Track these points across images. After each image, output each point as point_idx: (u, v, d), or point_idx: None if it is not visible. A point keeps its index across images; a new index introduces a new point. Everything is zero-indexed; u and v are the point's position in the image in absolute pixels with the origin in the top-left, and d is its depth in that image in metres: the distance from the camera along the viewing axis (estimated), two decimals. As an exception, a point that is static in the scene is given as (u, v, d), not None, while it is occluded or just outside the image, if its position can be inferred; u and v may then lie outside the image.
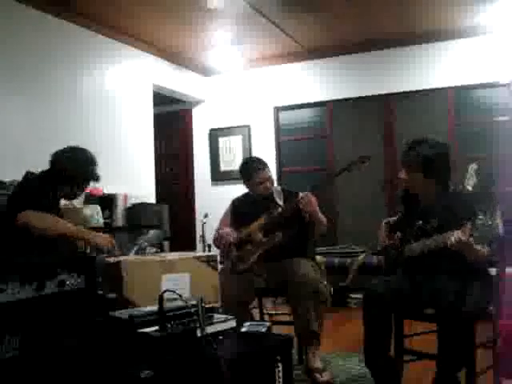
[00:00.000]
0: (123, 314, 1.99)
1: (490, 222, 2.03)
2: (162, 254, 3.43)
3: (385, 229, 2.69)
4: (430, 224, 2.38)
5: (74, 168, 2.66)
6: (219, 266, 3.12)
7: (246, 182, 3.28)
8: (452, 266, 2.38)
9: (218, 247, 3.32)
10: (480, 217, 2.06)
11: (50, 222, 2.50)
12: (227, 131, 6.24)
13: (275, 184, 3.33)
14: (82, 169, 2.68)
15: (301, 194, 3.02)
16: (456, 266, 2.38)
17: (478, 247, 2.18)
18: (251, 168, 3.25)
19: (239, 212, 3.33)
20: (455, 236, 2.14)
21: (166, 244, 4.92)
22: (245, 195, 3.44)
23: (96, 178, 2.78)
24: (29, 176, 2.67)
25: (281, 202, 3.18)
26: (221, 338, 1.98)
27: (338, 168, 3.09)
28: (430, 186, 2.48)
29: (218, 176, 6.29)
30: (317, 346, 2.95)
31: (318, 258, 3.29)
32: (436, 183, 2.48)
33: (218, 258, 3.02)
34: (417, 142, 2.50)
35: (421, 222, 2.44)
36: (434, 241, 2.32)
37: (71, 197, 2.79)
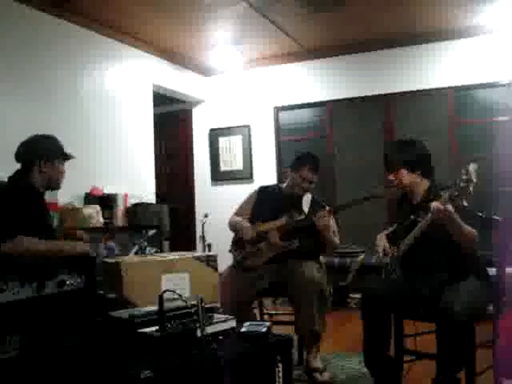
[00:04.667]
0: (123, 313, 1.99)
1: (464, 177, 2.14)
2: (162, 254, 3.43)
3: (385, 241, 2.68)
4: (421, 217, 2.39)
5: (31, 146, 2.60)
6: (221, 265, 3.11)
7: (293, 170, 3.19)
8: (450, 266, 2.39)
9: (232, 231, 3.28)
10: (456, 181, 2.17)
11: (30, 249, 2.34)
12: (227, 131, 6.23)
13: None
14: (37, 144, 2.61)
15: (319, 213, 2.98)
16: (454, 266, 2.38)
17: (465, 225, 2.26)
18: (306, 162, 3.16)
19: (262, 202, 3.27)
20: (433, 205, 2.22)
21: (166, 244, 4.92)
22: (274, 187, 3.41)
23: (58, 149, 2.65)
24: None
25: (306, 209, 3.15)
26: (221, 338, 1.98)
27: (363, 195, 3.09)
28: (417, 179, 2.52)
29: (218, 176, 6.29)
30: (318, 346, 2.96)
31: (321, 258, 3.28)
32: (423, 177, 2.51)
33: (219, 258, 3.00)
34: (392, 143, 2.63)
35: (413, 216, 2.46)
36: (419, 226, 2.37)
37: (50, 183, 2.63)
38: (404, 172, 2.51)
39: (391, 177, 2.55)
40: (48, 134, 2.72)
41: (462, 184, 2.15)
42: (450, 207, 2.19)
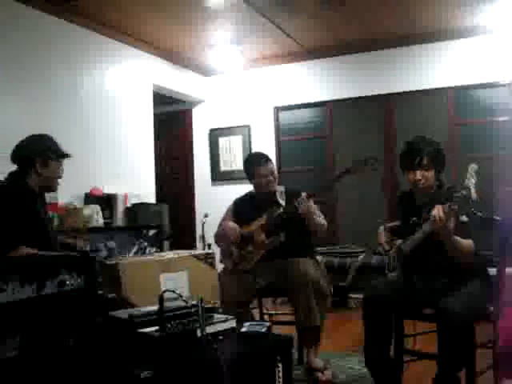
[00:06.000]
0: (123, 313, 1.99)
1: (464, 193, 2.14)
2: (160, 254, 3.43)
3: (384, 234, 2.69)
4: (423, 219, 2.39)
5: (25, 147, 2.58)
6: (220, 265, 3.12)
7: (250, 178, 3.25)
8: (451, 266, 2.39)
9: (219, 245, 3.31)
10: (456, 194, 2.17)
11: None
12: (227, 131, 6.23)
13: (277, 185, 3.28)
14: (32, 144, 2.59)
15: (298, 199, 2.97)
16: (455, 268, 2.38)
17: (462, 240, 2.27)
18: (254, 162, 3.23)
19: (241, 211, 3.31)
20: (435, 212, 2.21)
21: (166, 244, 4.92)
22: (247, 195, 3.43)
23: (55, 149, 2.62)
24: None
25: (283, 202, 3.16)
26: (221, 338, 1.98)
27: (339, 171, 3.08)
28: (434, 182, 2.51)
29: (218, 176, 6.29)
30: (317, 344, 2.96)
31: (318, 258, 3.28)
32: (436, 177, 2.51)
33: (218, 257, 3.01)
34: (422, 139, 2.51)
35: (415, 218, 2.45)
36: (422, 231, 2.36)
37: (48, 184, 2.61)
38: (432, 173, 2.46)
39: (419, 175, 2.44)
40: (44, 133, 2.69)
41: (460, 201, 2.14)
42: (451, 224, 2.19)
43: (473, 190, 2.14)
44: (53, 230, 2.74)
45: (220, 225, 3.35)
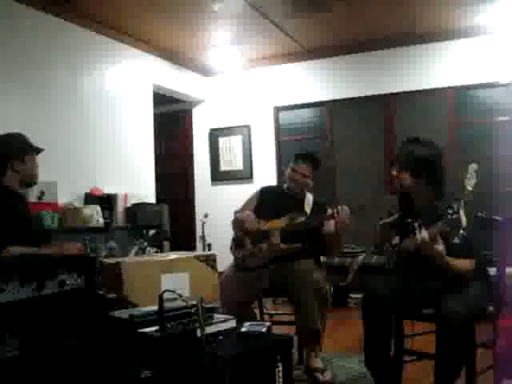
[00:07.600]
0: (123, 313, 1.99)
1: (454, 217, 2.12)
2: (162, 254, 3.43)
3: (381, 229, 2.68)
4: (418, 226, 2.37)
5: None
6: (220, 264, 3.09)
7: (291, 167, 3.20)
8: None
9: (234, 231, 3.23)
10: (449, 213, 2.15)
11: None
12: (227, 131, 6.24)
13: (309, 192, 3.26)
14: (5, 144, 2.57)
15: (325, 226, 2.97)
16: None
17: (456, 261, 2.25)
18: (299, 156, 3.20)
19: (264, 202, 3.25)
20: (419, 236, 2.21)
21: (166, 244, 4.93)
22: (276, 187, 3.40)
23: (25, 145, 2.60)
24: None
25: (308, 210, 3.14)
26: (221, 338, 1.98)
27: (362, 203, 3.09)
28: (420, 186, 2.47)
29: (218, 176, 6.29)
30: (318, 345, 2.95)
31: (321, 258, 3.27)
32: (427, 184, 2.46)
33: (218, 257, 2.98)
34: (410, 140, 2.53)
35: (411, 220, 2.44)
36: (406, 247, 2.39)
37: (26, 180, 2.60)
38: (407, 175, 2.46)
39: (395, 173, 2.52)
40: (11, 132, 2.66)
41: (450, 224, 2.14)
42: (439, 247, 2.19)
43: (463, 218, 2.10)
44: (38, 230, 2.72)
45: (238, 210, 3.28)
